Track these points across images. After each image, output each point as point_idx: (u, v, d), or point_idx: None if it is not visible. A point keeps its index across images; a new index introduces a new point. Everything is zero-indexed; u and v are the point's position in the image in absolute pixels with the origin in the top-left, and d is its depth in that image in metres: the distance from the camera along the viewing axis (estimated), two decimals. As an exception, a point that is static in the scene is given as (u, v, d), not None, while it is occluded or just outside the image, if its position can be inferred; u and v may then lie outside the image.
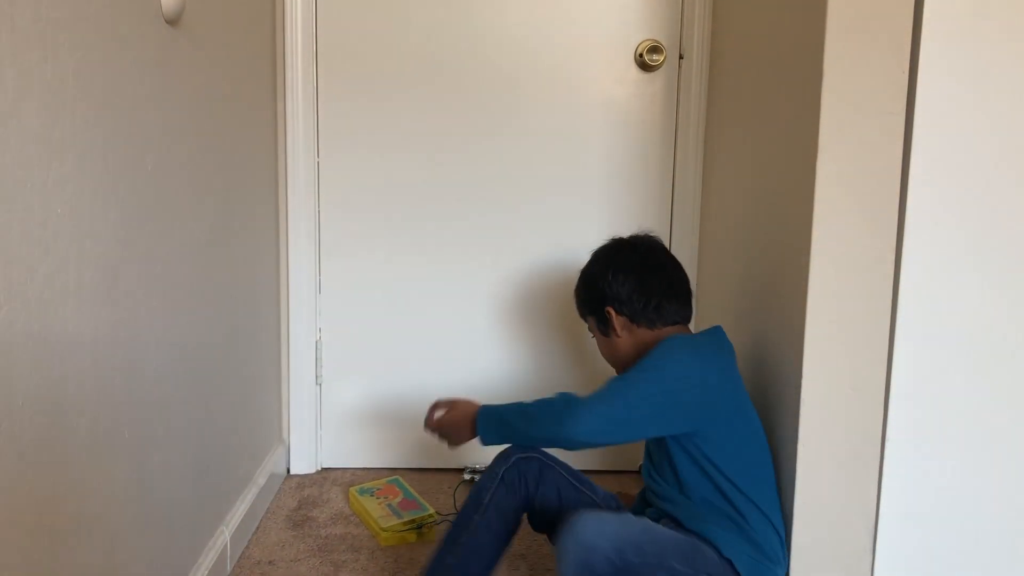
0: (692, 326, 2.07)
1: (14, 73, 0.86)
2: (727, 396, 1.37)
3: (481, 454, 2.15)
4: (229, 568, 1.60)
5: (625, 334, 1.48)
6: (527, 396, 2.11)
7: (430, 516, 1.80)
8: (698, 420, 1.34)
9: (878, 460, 1.36)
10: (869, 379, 1.34)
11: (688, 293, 1.51)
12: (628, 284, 1.46)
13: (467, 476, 2.08)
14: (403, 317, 2.11)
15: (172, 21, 1.28)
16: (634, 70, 2.00)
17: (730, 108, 1.82)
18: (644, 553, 1.23)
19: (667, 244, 2.04)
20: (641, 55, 1.98)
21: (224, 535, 1.57)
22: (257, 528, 1.80)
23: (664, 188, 2.06)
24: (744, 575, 1.30)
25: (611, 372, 1.90)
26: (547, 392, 2.06)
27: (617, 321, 1.48)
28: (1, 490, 0.85)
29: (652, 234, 1.55)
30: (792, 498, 1.36)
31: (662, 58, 1.97)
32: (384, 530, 1.74)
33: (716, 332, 1.47)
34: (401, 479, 2.00)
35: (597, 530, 1.23)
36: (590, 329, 1.57)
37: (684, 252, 2.05)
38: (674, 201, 2.05)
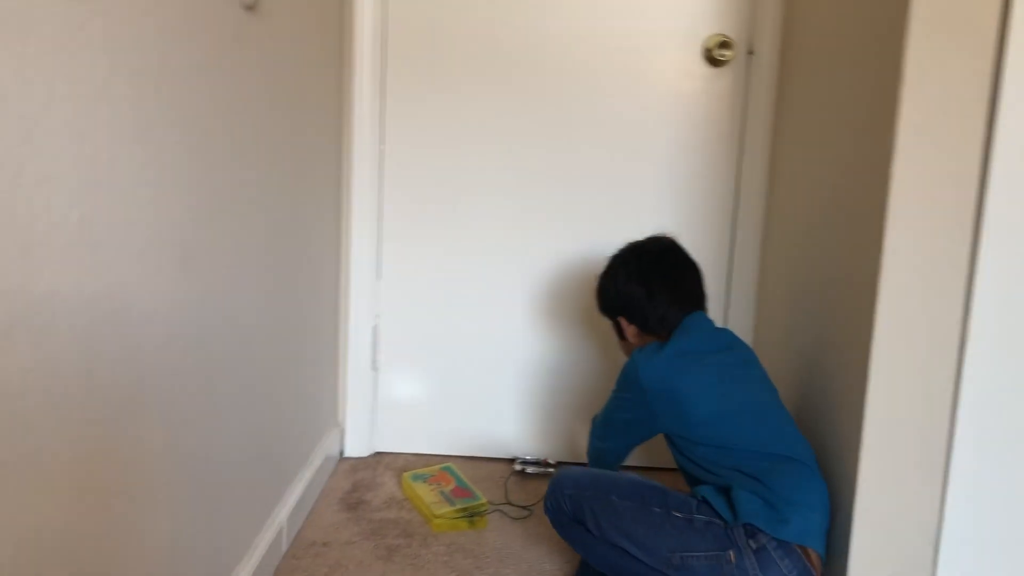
0: (750, 324, 2.06)
1: (106, 60, 0.87)
2: (684, 397, 1.43)
3: (532, 445, 2.16)
4: (285, 547, 1.63)
5: (638, 340, 1.56)
6: (583, 386, 2.12)
7: (482, 505, 1.81)
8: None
9: (943, 471, 1.33)
10: (937, 386, 1.31)
11: (699, 296, 1.56)
12: (637, 296, 1.53)
13: (518, 467, 2.08)
14: (461, 305, 2.12)
15: (250, 6, 1.30)
16: (702, 65, 1.98)
17: (800, 106, 1.80)
18: (582, 486, 1.45)
19: (730, 241, 2.04)
20: (710, 50, 1.95)
21: (281, 515, 1.60)
22: (312, 509, 1.83)
23: (728, 184, 2.03)
24: (716, 506, 1.34)
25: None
26: (608, 386, 2.07)
27: (628, 330, 1.57)
28: (85, 455, 0.87)
29: (667, 235, 1.60)
30: (851, 506, 1.34)
31: (731, 53, 1.95)
32: (437, 517, 1.75)
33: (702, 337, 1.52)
34: (454, 467, 2.02)
35: (567, 474, 1.50)
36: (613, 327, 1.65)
37: (747, 249, 2.03)
38: (738, 198, 2.03)
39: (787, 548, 1.31)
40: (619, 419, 1.56)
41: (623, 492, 1.42)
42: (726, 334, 1.55)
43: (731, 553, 1.31)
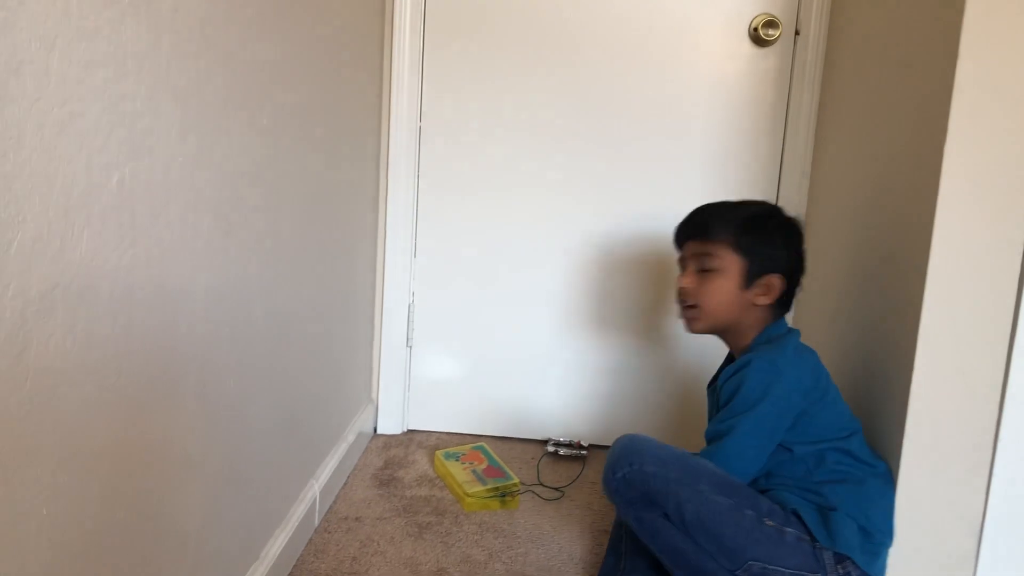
0: (794, 310, 2.02)
1: (147, 21, 0.87)
2: (810, 398, 1.33)
3: (564, 427, 2.15)
4: (317, 521, 1.63)
5: (762, 302, 1.38)
6: (617, 369, 2.10)
7: (514, 485, 1.80)
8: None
9: (989, 462, 1.30)
10: (985, 377, 1.28)
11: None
12: (797, 275, 1.41)
13: (551, 448, 2.07)
14: (495, 285, 2.10)
15: (291, -23, 1.29)
16: (748, 45, 1.94)
17: (848, 88, 1.75)
18: (668, 466, 1.29)
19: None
20: (756, 29, 1.91)
21: (314, 488, 1.60)
22: (345, 484, 1.83)
23: (772, 166, 2.00)
24: (810, 525, 1.25)
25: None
26: (641, 367, 2.05)
27: (772, 290, 1.37)
28: (119, 427, 0.87)
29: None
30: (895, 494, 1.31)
31: (777, 33, 1.91)
32: (468, 496, 1.75)
33: (798, 340, 1.41)
34: (486, 446, 2.01)
35: (643, 447, 1.33)
36: (704, 258, 1.40)
37: (787, 235, 1.99)
38: (781, 180, 1.99)
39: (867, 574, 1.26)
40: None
41: (715, 485, 1.28)
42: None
43: None
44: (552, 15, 1.96)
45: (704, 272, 1.39)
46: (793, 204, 1.99)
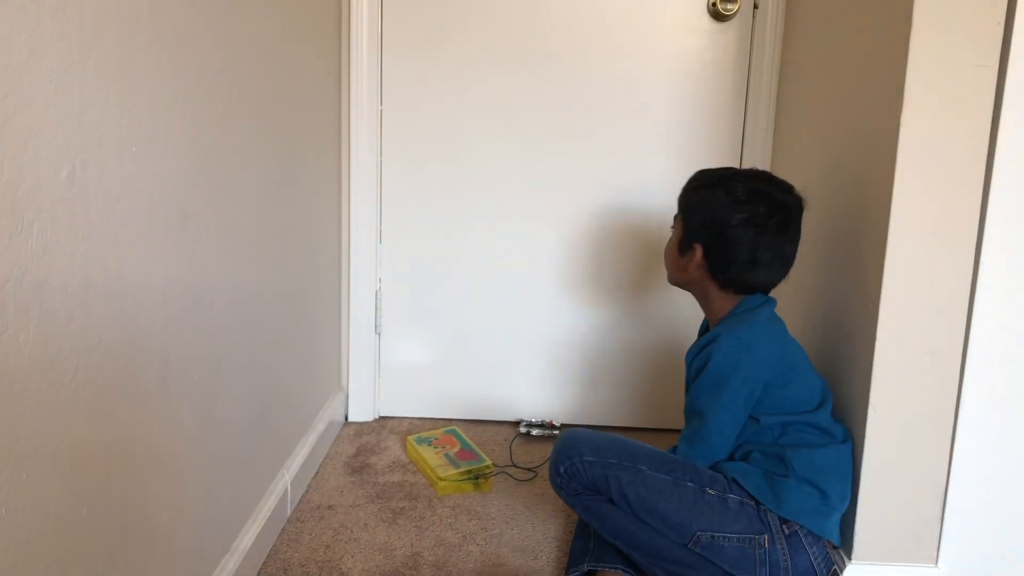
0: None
1: (93, 8, 0.85)
2: (775, 374, 1.33)
3: (536, 407, 2.16)
4: (289, 511, 1.63)
5: (696, 271, 1.39)
6: (587, 347, 2.11)
7: (487, 467, 1.81)
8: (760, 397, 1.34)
9: (951, 427, 1.32)
10: (946, 344, 1.30)
11: (789, 266, 1.38)
12: (742, 245, 1.33)
13: (523, 429, 2.08)
14: (462, 268, 2.10)
15: (242, -39, 1.27)
16: (707, 19, 1.94)
17: (806, 60, 1.76)
18: (605, 453, 1.34)
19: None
20: (714, 4, 1.91)
21: (285, 478, 1.60)
22: (316, 473, 1.82)
23: (734, 140, 2.00)
24: (752, 490, 1.28)
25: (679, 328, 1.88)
26: (609, 340, 2.06)
27: (696, 260, 1.38)
28: (80, 424, 0.86)
29: (803, 197, 1.38)
30: (860, 462, 1.33)
31: (736, 7, 1.91)
32: (441, 479, 1.75)
33: (769, 310, 1.39)
34: (458, 430, 2.01)
35: (581, 439, 1.37)
36: (674, 220, 1.45)
37: (751, 209, 2.01)
38: (742, 155, 2.00)
39: (816, 536, 1.29)
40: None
41: (653, 463, 1.32)
42: (773, 301, 1.42)
43: (764, 538, 1.27)
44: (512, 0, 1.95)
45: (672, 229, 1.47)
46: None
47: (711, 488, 1.30)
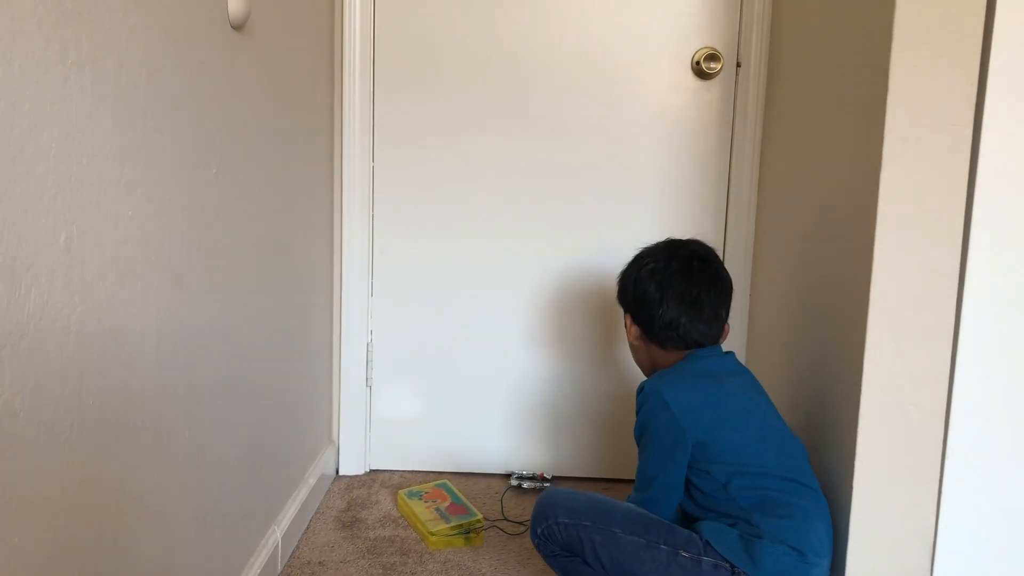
0: (743, 333, 2.06)
1: (92, 79, 0.88)
2: (709, 425, 1.34)
3: (527, 460, 2.16)
4: (280, 567, 1.62)
5: (640, 344, 1.48)
6: (578, 399, 2.12)
7: (478, 521, 1.80)
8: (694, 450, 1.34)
9: (938, 477, 1.33)
10: (930, 395, 1.31)
11: (715, 317, 1.42)
12: (650, 296, 1.42)
13: (514, 482, 2.08)
14: (453, 321, 2.11)
15: (237, 26, 1.30)
16: (691, 78, 1.99)
17: (788, 118, 1.80)
18: (579, 515, 1.35)
19: (721, 252, 2.04)
20: (698, 63, 1.96)
21: (276, 534, 1.59)
22: (307, 528, 1.82)
23: (719, 196, 2.04)
24: (725, 552, 1.26)
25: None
26: (600, 393, 2.07)
27: (631, 331, 1.48)
28: (73, 485, 0.87)
29: (706, 243, 1.48)
30: (847, 515, 1.34)
31: (719, 66, 1.96)
32: (432, 534, 1.74)
33: (711, 362, 1.42)
34: (449, 483, 2.01)
35: (557, 500, 1.39)
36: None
37: (737, 262, 2.04)
38: (728, 210, 2.04)
39: None
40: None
41: (627, 525, 1.32)
42: (733, 358, 1.47)
43: None
44: (501, 55, 2.00)
45: None
46: (741, 232, 2.03)
47: (684, 551, 1.28)
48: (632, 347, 1.52)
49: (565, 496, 1.40)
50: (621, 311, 1.53)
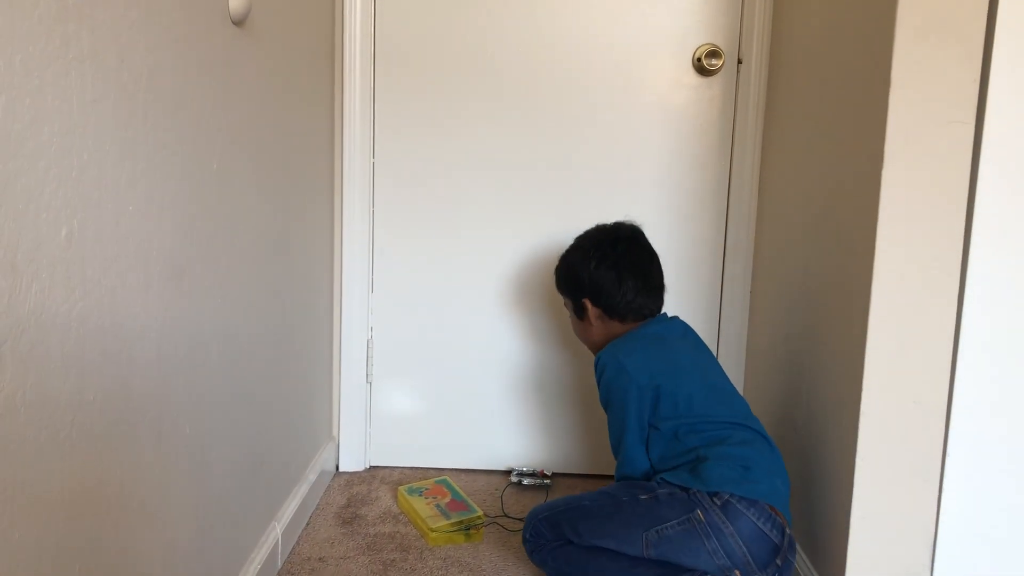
0: (743, 331, 2.06)
1: (93, 74, 0.87)
2: (660, 379, 1.47)
3: (528, 457, 2.16)
4: (280, 563, 1.62)
5: (599, 323, 1.59)
6: (578, 396, 2.12)
7: (478, 518, 1.81)
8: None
9: (938, 476, 1.33)
10: (931, 392, 1.31)
11: (661, 287, 1.60)
12: (608, 279, 1.56)
13: (515, 479, 2.08)
14: (453, 318, 2.11)
15: (238, 22, 1.30)
16: (692, 74, 1.99)
17: (789, 114, 1.80)
18: (554, 506, 1.54)
19: (721, 248, 2.05)
20: (699, 59, 1.96)
21: (276, 530, 1.59)
22: (307, 524, 1.82)
23: (720, 193, 2.04)
24: (677, 481, 1.40)
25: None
26: (597, 392, 2.07)
27: (592, 312, 1.59)
28: (74, 481, 0.87)
29: (635, 223, 1.64)
30: (848, 512, 1.34)
31: (720, 63, 1.96)
32: (433, 531, 1.74)
33: (660, 327, 1.58)
34: (449, 479, 2.01)
35: (538, 506, 1.59)
36: (565, 306, 1.69)
37: (738, 258, 2.04)
38: (729, 206, 2.04)
39: (750, 501, 1.35)
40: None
41: (592, 496, 1.50)
42: (679, 321, 1.62)
43: (699, 512, 1.35)
44: (503, 52, 2.00)
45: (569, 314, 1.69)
46: (741, 232, 2.03)
47: (642, 494, 1.43)
48: (583, 327, 1.64)
49: (544, 503, 1.59)
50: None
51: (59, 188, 0.82)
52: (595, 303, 1.59)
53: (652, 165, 2.03)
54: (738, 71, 1.99)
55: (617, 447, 1.54)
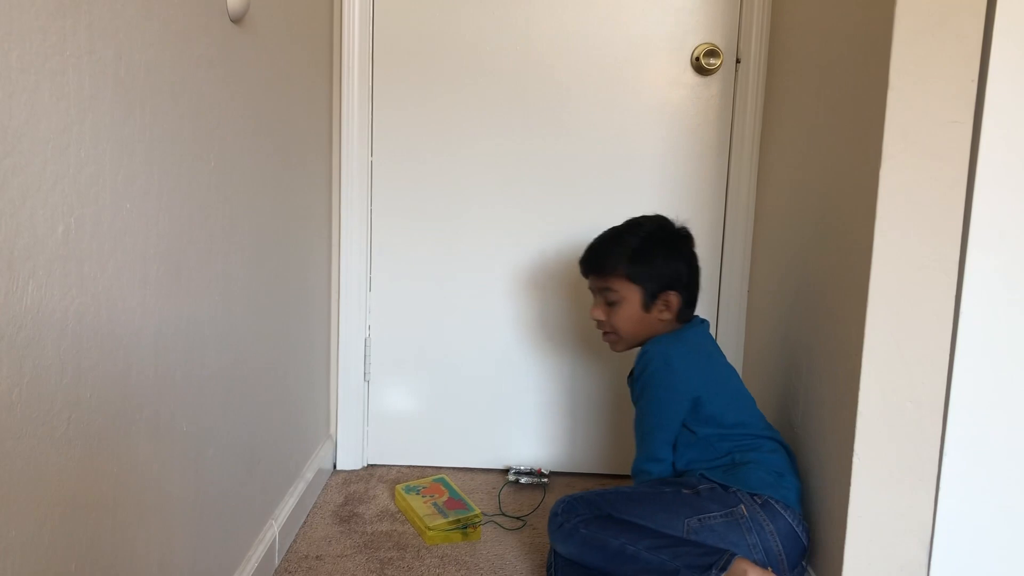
0: (741, 331, 2.06)
1: (90, 70, 0.87)
2: (702, 386, 1.50)
3: (525, 455, 2.16)
4: (277, 561, 1.62)
5: (661, 318, 1.56)
6: (576, 395, 2.12)
7: (475, 516, 1.80)
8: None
9: (935, 475, 1.33)
10: (928, 392, 1.31)
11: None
12: (695, 275, 1.58)
13: (512, 477, 2.08)
14: (451, 316, 2.11)
15: (236, 20, 1.30)
16: (690, 74, 1.99)
17: (788, 113, 1.80)
18: (594, 492, 1.52)
19: (719, 248, 2.06)
20: (698, 59, 1.96)
21: (273, 528, 1.59)
22: (304, 522, 1.82)
23: (718, 192, 2.04)
24: (716, 479, 1.44)
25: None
26: (598, 388, 2.08)
27: (674, 305, 1.55)
28: (71, 479, 0.87)
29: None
30: (845, 511, 1.34)
31: (719, 62, 1.96)
32: (430, 529, 1.74)
33: (701, 330, 1.60)
34: (447, 478, 2.01)
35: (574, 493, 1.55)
36: (600, 292, 1.60)
37: (736, 257, 2.04)
38: (727, 205, 2.04)
39: (786, 504, 1.41)
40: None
41: (631, 487, 1.52)
42: (706, 323, 1.63)
43: (742, 507, 1.39)
44: (501, 50, 2.00)
45: (610, 303, 1.59)
46: (740, 231, 2.03)
47: (684, 487, 1.45)
48: (638, 319, 1.57)
49: (578, 492, 1.55)
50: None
51: (56, 185, 0.82)
52: (685, 291, 1.56)
53: (650, 164, 2.03)
54: (737, 71, 1.99)
55: (642, 440, 1.55)
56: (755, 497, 1.41)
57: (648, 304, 1.55)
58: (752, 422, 1.52)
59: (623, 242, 1.58)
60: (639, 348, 1.58)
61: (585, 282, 2.07)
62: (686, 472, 1.50)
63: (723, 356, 1.60)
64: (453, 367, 2.14)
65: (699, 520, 1.40)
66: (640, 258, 1.55)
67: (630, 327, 1.58)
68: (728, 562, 1.32)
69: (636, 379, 1.56)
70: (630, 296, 1.56)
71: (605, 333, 1.62)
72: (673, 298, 1.55)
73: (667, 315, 1.55)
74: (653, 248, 1.56)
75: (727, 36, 1.98)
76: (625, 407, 2.12)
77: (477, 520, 1.81)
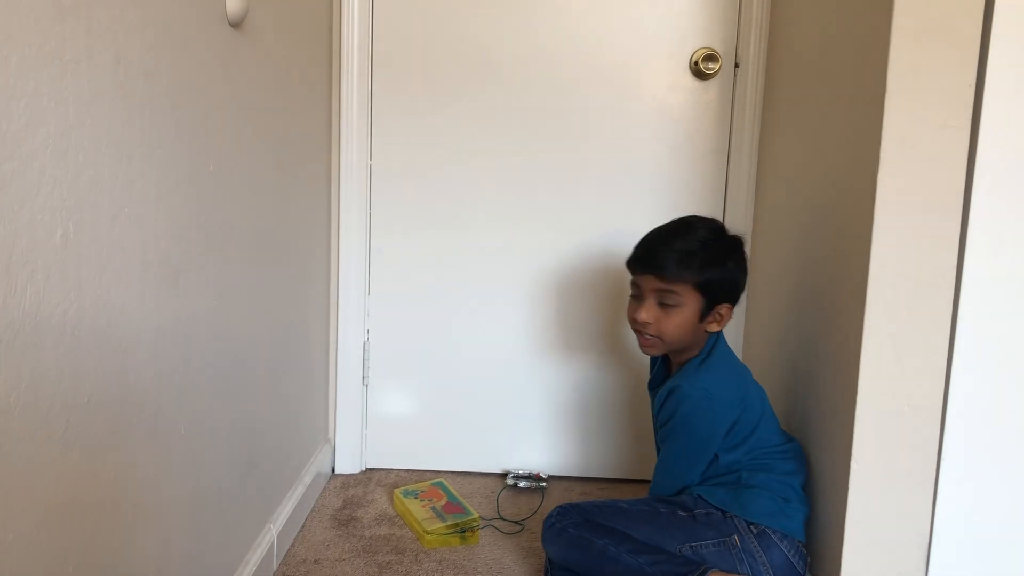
0: (739, 334, 2.06)
1: (89, 75, 0.87)
2: (737, 411, 1.46)
3: (524, 459, 2.16)
4: (275, 565, 1.62)
5: (714, 328, 1.49)
6: (575, 400, 2.12)
7: (474, 520, 1.80)
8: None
9: (933, 479, 1.33)
10: (926, 396, 1.31)
11: None
12: (740, 285, 1.51)
13: (510, 481, 2.08)
14: (450, 320, 2.11)
15: (236, 24, 1.30)
16: (689, 78, 1.99)
17: (786, 118, 1.80)
18: (591, 503, 1.54)
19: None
20: (696, 63, 1.96)
21: (271, 532, 1.59)
22: (303, 526, 1.82)
23: (717, 196, 2.04)
24: (716, 503, 1.43)
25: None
26: (597, 392, 2.07)
27: (722, 320, 1.49)
28: (69, 481, 0.87)
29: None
30: (843, 516, 1.34)
31: (717, 66, 1.96)
32: (428, 533, 1.74)
33: (726, 346, 1.54)
34: (445, 482, 2.01)
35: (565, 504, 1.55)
36: (664, 294, 1.45)
37: (735, 262, 2.04)
38: (726, 210, 2.04)
39: (784, 534, 1.40)
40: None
41: (629, 501, 1.51)
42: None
43: (735, 537, 1.40)
44: (500, 54, 2.00)
45: (664, 306, 1.46)
46: (738, 229, 2.02)
47: (681, 509, 1.45)
48: (690, 328, 1.46)
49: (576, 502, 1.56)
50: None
51: (55, 189, 0.82)
52: (731, 310, 1.49)
53: (649, 168, 2.03)
54: (735, 75, 1.99)
55: (675, 468, 1.50)
56: (752, 526, 1.40)
57: (704, 314, 1.46)
58: (768, 436, 1.48)
59: (694, 247, 1.45)
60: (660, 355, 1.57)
61: (585, 287, 2.08)
62: (686, 488, 1.49)
63: (748, 370, 1.54)
64: (451, 371, 2.14)
65: (691, 547, 1.41)
66: (711, 267, 1.45)
67: (679, 335, 1.46)
68: (702, 575, 1.34)
69: (667, 411, 1.48)
70: (690, 303, 1.44)
71: (644, 335, 1.49)
72: (726, 311, 1.47)
73: (715, 327, 1.48)
74: (723, 258, 1.47)
75: (726, 40, 1.98)
76: (624, 410, 2.12)
77: (475, 524, 1.80)
